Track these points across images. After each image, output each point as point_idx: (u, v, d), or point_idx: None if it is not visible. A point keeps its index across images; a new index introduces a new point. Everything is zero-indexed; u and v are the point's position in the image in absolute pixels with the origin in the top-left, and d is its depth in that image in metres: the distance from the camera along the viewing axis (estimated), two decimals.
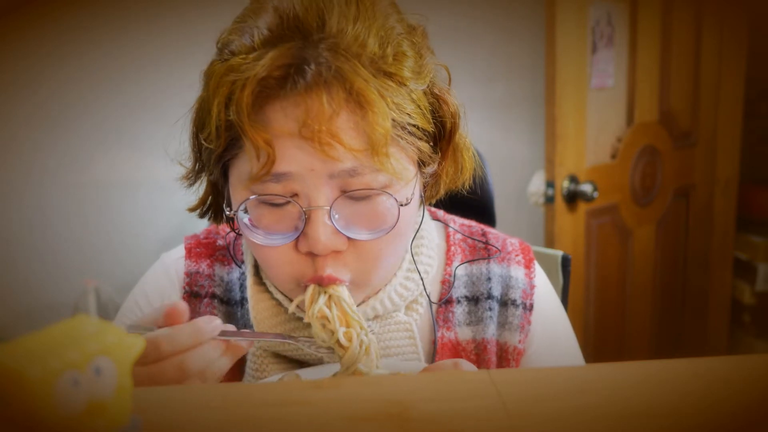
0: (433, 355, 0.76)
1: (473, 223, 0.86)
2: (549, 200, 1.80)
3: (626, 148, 2.00)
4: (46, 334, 0.32)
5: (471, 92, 2.25)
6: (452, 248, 0.81)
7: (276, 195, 0.61)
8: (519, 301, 0.79)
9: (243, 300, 0.77)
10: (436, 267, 0.78)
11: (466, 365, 0.59)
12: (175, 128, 0.67)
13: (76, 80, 2.12)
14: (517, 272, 0.80)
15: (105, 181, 2.22)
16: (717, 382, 0.45)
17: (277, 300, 0.73)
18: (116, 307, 1.39)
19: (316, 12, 0.59)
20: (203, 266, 0.80)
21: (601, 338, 2.06)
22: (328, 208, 0.61)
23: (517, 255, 0.82)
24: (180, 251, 0.82)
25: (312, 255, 0.63)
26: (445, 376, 0.50)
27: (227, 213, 0.67)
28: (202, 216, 0.73)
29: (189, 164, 0.69)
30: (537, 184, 1.89)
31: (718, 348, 2.42)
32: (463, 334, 0.78)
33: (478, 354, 0.77)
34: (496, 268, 0.80)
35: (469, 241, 0.83)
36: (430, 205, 0.82)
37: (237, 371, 0.77)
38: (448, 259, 0.80)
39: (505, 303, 0.79)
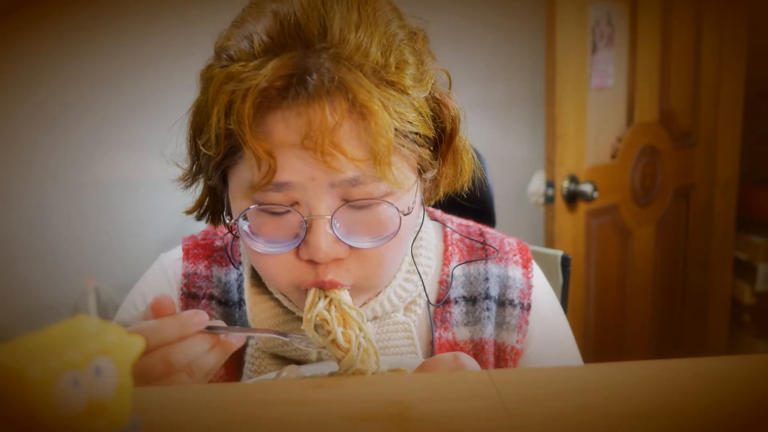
0: (430, 356, 0.76)
1: (471, 222, 0.86)
2: (549, 200, 1.80)
3: (626, 148, 2.00)
4: (46, 334, 0.32)
5: (471, 92, 2.25)
6: (450, 248, 0.81)
7: (277, 204, 0.61)
8: (516, 301, 0.79)
9: (241, 301, 0.77)
10: (434, 267, 0.78)
11: (465, 358, 0.59)
12: (171, 129, 0.66)
13: (76, 80, 2.12)
14: (515, 272, 0.80)
15: (105, 181, 2.22)
16: (717, 382, 0.45)
17: (275, 301, 0.73)
18: (116, 307, 1.39)
19: (318, 19, 0.58)
20: (201, 267, 0.80)
21: (601, 338, 2.06)
22: (330, 217, 0.60)
23: (514, 255, 0.82)
24: (178, 252, 0.82)
25: (313, 262, 0.62)
26: (445, 376, 0.50)
27: (227, 221, 0.67)
28: (199, 218, 0.73)
29: (186, 166, 0.69)
30: (537, 184, 1.89)
31: (718, 348, 2.42)
32: (461, 334, 0.78)
33: (475, 354, 0.77)
34: (493, 268, 0.80)
35: (467, 241, 0.83)
36: (428, 205, 0.82)
37: (235, 372, 0.77)
38: (446, 260, 0.80)
39: (502, 303, 0.79)
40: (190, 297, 0.78)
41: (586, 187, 1.79)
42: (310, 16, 0.58)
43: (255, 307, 0.73)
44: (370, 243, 0.63)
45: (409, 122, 0.60)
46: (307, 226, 0.61)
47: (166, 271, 0.81)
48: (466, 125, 0.69)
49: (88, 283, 2.10)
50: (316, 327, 0.63)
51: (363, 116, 0.57)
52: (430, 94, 0.64)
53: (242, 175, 0.61)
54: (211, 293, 0.79)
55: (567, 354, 0.83)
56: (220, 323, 0.61)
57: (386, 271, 0.66)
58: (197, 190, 0.70)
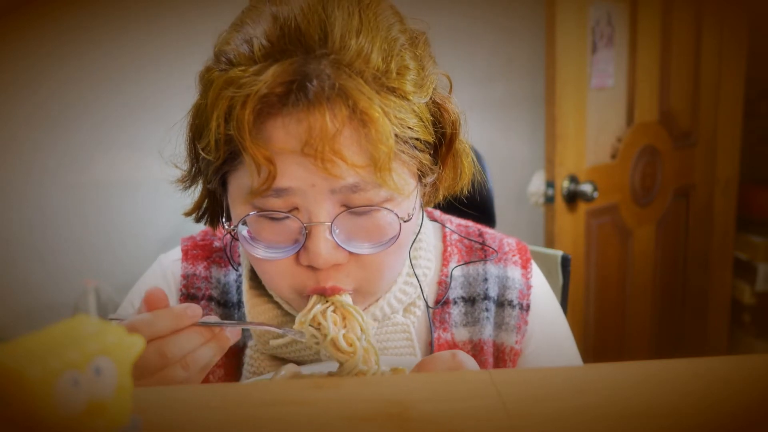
0: None
1: (470, 223, 0.86)
2: (549, 200, 1.80)
3: (626, 148, 2.00)
4: (46, 334, 0.32)
5: (471, 92, 2.25)
6: (449, 249, 0.81)
7: (277, 210, 0.60)
8: (516, 302, 0.79)
9: (240, 302, 0.77)
10: (433, 268, 0.78)
11: (463, 356, 0.59)
12: (170, 131, 0.66)
13: (76, 80, 2.12)
14: (514, 273, 0.80)
15: (105, 181, 2.22)
16: (717, 382, 0.45)
17: (274, 303, 0.73)
18: (116, 307, 1.39)
19: (318, 24, 0.58)
20: (200, 268, 0.79)
21: (601, 338, 2.06)
22: (329, 223, 0.60)
23: (513, 255, 0.82)
24: (177, 253, 0.82)
25: (313, 268, 0.62)
26: (445, 376, 0.50)
27: (226, 226, 0.67)
28: (197, 220, 0.72)
29: (184, 167, 0.68)
30: (537, 184, 1.89)
31: (718, 348, 2.42)
32: (460, 335, 0.78)
33: (474, 355, 0.77)
34: (492, 269, 0.80)
35: (466, 241, 0.82)
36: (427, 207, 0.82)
37: (234, 373, 0.77)
38: (445, 260, 0.80)
39: (501, 303, 0.79)
40: (189, 298, 0.78)
41: (586, 187, 1.79)
42: (311, 21, 0.58)
43: (254, 309, 0.73)
44: (369, 249, 0.63)
45: (410, 128, 0.60)
46: (307, 232, 0.60)
47: (165, 272, 0.81)
48: (467, 128, 0.68)
49: (88, 283, 2.10)
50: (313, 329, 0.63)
51: (364, 123, 0.56)
52: (430, 98, 0.63)
53: (242, 181, 0.61)
54: (210, 294, 0.78)
55: (567, 354, 0.83)
56: (214, 318, 0.61)
57: (386, 275, 0.66)
58: (196, 191, 0.70)
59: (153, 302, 0.59)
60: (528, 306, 0.79)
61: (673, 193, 2.21)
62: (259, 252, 0.63)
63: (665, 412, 0.41)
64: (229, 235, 0.79)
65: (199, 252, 0.81)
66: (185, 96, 0.65)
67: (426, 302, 0.76)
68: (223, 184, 0.65)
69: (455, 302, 0.79)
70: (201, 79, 0.63)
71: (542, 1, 1.79)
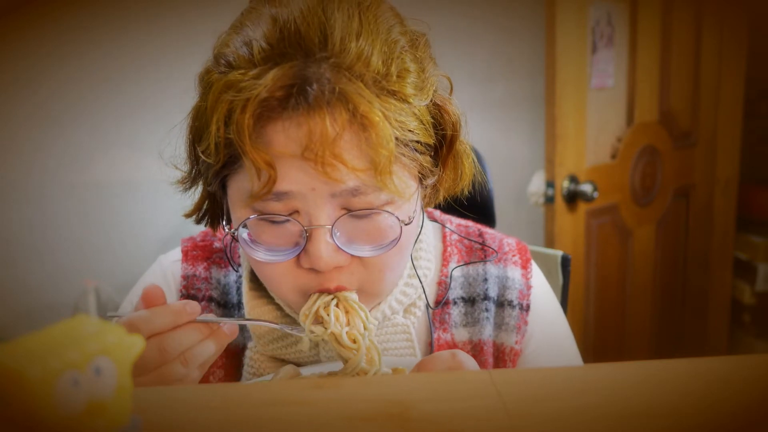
0: None
1: (470, 223, 0.86)
2: (549, 200, 1.81)
3: (626, 148, 2.00)
4: (46, 334, 0.32)
5: (471, 92, 2.25)
6: (449, 249, 0.81)
7: (277, 214, 0.60)
8: (515, 302, 0.79)
9: (240, 303, 0.77)
10: (433, 269, 0.78)
11: (463, 356, 0.59)
12: (170, 132, 0.66)
13: (76, 80, 2.12)
14: (514, 273, 0.80)
15: (105, 181, 2.22)
16: (717, 382, 0.45)
17: (274, 304, 0.73)
18: (116, 307, 1.39)
19: (318, 27, 0.57)
20: (200, 269, 0.79)
21: (601, 338, 2.06)
22: (330, 226, 0.60)
23: (513, 255, 0.82)
24: (177, 254, 0.82)
25: (315, 270, 0.62)
26: (446, 376, 0.50)
27: (226, 229, 0.67)
28: (198, 222, 0.72)
29: (185, 168, 0.68)
30: (537, 184, 1.89)
31: (718, 348, 2.42)
32: (460, 335, 0.78)
33: (474, 355, 0.77)
34: (492, 269, 0.80)
35: (466, 242, 0.82)
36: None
37: (234, 374, 0.77)
38: (445, 261, 0.80)
39: (501, 304, 0.79)
40: (189, 299, 0.78)
41: (586, 187, 1.79)
42: (311, 24, 0.57)
43: (253, 310, 0.73)
44: (370, 252, 0.63)
45: (410, 131, 0.60)
46: (308, 235, 0.60)
47: (165, 272, 0.81)
48: (467, 129, 0.68)
49: (88, 283, 2.10)
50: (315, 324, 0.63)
51: (364, 127, 0.56)
52: (431, 101, 0.63)
53: (242, 184, 0.61)
54: (211, 295, 0.78)
55: (567, 354, 0.83)
56: (211, 316, 0.61)
57: (389, 276, 0.66)
58: (197, 192, 0.70)
59: (150, 299, 0.59)
60: (528, 306, 0.79)
61: (673, 193, 2.21)
62: (260, 255, 0.63)
63: (665, 412, 0.41)
64: (229, 236, 0.79)
65: (199, 253, 0.80)
66: (185, 96, 0.65)
67: (427, 303, 0.76)
68: (223, 186, 0.65)
69: (455, 302, 0.78)
70: (200, 81, 0.63)
71: (542, 1, 1.79)
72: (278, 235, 0.62)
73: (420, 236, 0.76)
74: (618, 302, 2.10)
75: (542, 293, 0.82)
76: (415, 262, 0.75)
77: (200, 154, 0.61)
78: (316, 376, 0.63)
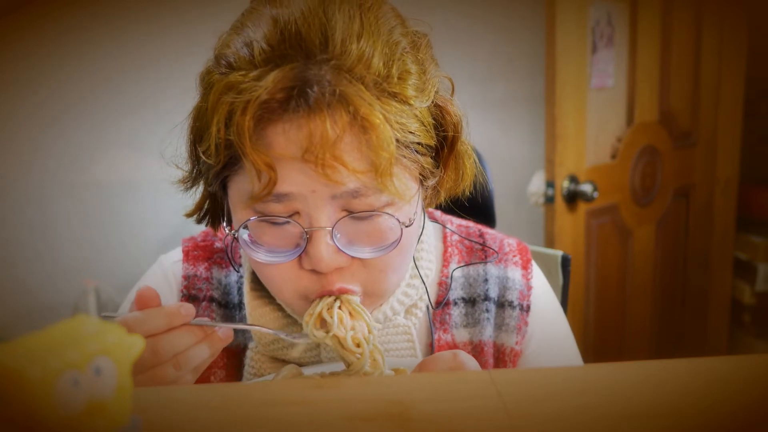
0: None
1: (471, 223, 0.86)
2: (549, 200, 1.81)
3: (626, 148, 2.00)
4: (46, 334, 0.32)
5: (471, 92, 2.25)
6: (449, 250, 0.81)
7: (277, 216, 0.60)
8: (516, 303, 0.79)
9: (241, 303, 0.77)
10: (434, 270, 0.78)
11: (464, 356, 0.59)
12: (171, 133, 0.66)
13: (76, 80, 2.12)
14: (514, 273, 0.80)
15: (105, 181, 2.22)
16: (717, 382, 0.45)
17: (275, 305, 0.73)
18: (116, 307, 1.39)
19: (319, 28, 0.57)
20: (201, 269, 0.79)
21: (601, 338, 2.06)
22: (330, 228, 0.60)
23: (514, 256, 0.82)
24: (178, 254, 0.81)
25: (317, 272, 0.62)
26: (446, 377, 0.50)
27: (227, 230, 0.67)
28: (199, 222, 0.72)
29: (186, 168, 0.68)
30: (537, 184, 1.89)
31: (718, 348, 2.42)
32: (460, 336, 0.78)
33: (475, 356, 0.77)
34: (493, 270, 0.80)
35: (466, 242, 0.82)
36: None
37: (235, 375, 0.77)
38: (445, 261, 0.80)
39: (502, 304, 0.79)
40: (191, 299, 0.78)
41: (586, 187, 1.79)
42: (311, 25, 0.57)
43: (254, 311, 0.72)
44: (371, 253, 0.62)
45: (411, 133, 0.60)
46: (308, 237, 0.60)
47: (166, 272, 0.80)
48: (468, 129, 0.68)
49: (88, 283, 2.10)
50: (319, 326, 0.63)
51: (364, 129, 0.56)
52: (432, 102, 0.63)
53: (242, 185, 0.60)
54: (212, 295, 0.78)
55: (567, 354, 0.83)
56: (205, 320, 0.61)
57: (390, 277, 0.66)
58: (197, 192, 0.70)
59: (144, 302, 0.59)
60: (528, 307, 0.79)
61: (673, 193, 2.21)
62: (260, 256, 0.63)
63: (665, 412, 0.41)
64: (230, 236, 0.79)
65: (200, 253, 0.80)
66: (186, 96, 0.65)
67: (429, 303, 0.76)
68: (224, 187, 0.65)
69: (456, 303, 0.78)
70: (201, 81, 0.63)
71: (542, 1, 1.79)
72: (279, 237, 0.62)
73: (421, 237, 0.76)
74: (618, 302, 2.10)
75: (543, 294, 0.82)
76: (417, 263, 0.75)
77: (201, 155, 0.61)
78: (317, 376, 0.63)
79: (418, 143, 0.61)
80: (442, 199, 0.72)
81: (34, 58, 2.08)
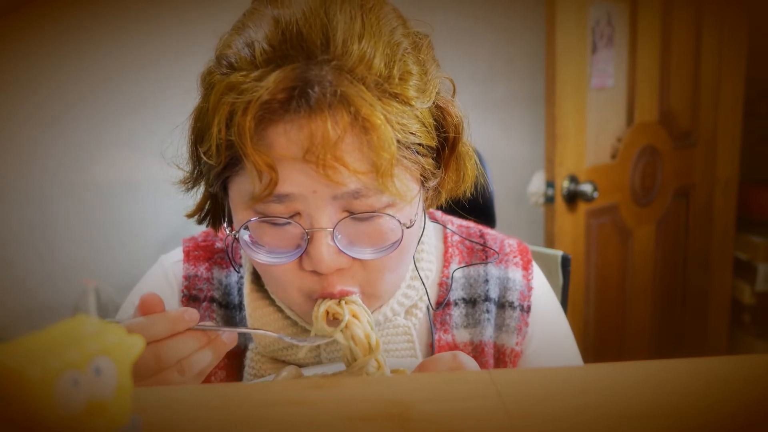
0: None
1: (471, 224, 0.86)
2: (549, 200, 1.81)
3: (626, 148, 2.00)
4: (46, 334, 0.32)
5: (472, 92, 2.25)
6: (450, 250, 0.81)
7: (278, 216, 0.60)
8: (516, 303, 0.79)
9: (242, 304, 0.77)
10: (434, 270, 0.78)
11: (464, 357, 0.59)
12: (173, 133, 0.66)
13: (76, 80, 2.12)
14: (515, 274, 0.80)
15: (105, 181, 2.22)
16: (717, 382, 0.45)
17: (276, 306, 0.73)
18: (116, 307, 1.39)
19: (320, 28, 0.57)
20: (202, 269, 0.79)
21: (601, 338, 2.06)
22: (331, 229, 0.60)
23: (515, 256, 0.82)
24: (178, 254, 0.81)
25: (317, 272, 0.62)
26: (446, 376, 0.50)
27: (227, 231, 0.67)
28: (200, 222, 0.72)
29: (187, 168, 0.68)
30: (537, 184, 1.89)
31: (718, 348, 2.42)
32: (461, 336, 0.78)
33: (475, 356, 0.77)
34: (493, 270, 0.80)
35: (467, 243, 0.82)
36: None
37: (235, 376, 0.77)
38: (446, 262, 0.80)
39: (502, 305, 0.79)
40: (191, 299, 0.78)
41: (586, 187, 1.79)
42: (313, 25, 0.57)
43: (255, 312, 0.72)
44: (372, 254, 0.62)
45: (412, 134, 0.60)
46: (309, 238, 0.60)
47: (167, 273, 0.80)
48: (469, 130, 0.68)
49: (88, 283, 2.10)
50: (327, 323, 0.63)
51: (365, 130, 0.56)
52: (433, 103, 0.63)
53: (243, 186, 0.60)
54: (212, 296, 0.78)
55: (567, 354, 0.83)
56: (210, 324, 0.61)
57: (390, 278, 0.66)
58: (198, 193, 0.70)
59: (148, 308, 0.58)
60: (529, 307, 0.79)
61: (673, 193, 2.21)
62: (261, 257, 0.63)
63: (665, 412, 0.41)
64: (230, 236, 0.79)
65: (200, 253, 0.80)
66: (186, 96, 0.65)
67: (430, 304, 0.76)
68: (225, 188, 0.65)
69: (456, 304, 0.78)
70: (202, 82, 0.63)
71: (542, 1, 1.79)
72: (279, 237, 0.62)
73: (422, 238, 0.76)
74: (618, 302, 2.10)
75: (543, 294, 0.82)
76: (417, 264, 0.75)
77: (202, 155, 0.61)
78: (318, 377, 0.63)
79: (419, 144, 0.61)
80: (443, 200, 0.72)
81: (34, 58, 2.08)
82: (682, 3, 2.06)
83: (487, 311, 0.78)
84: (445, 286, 0.79)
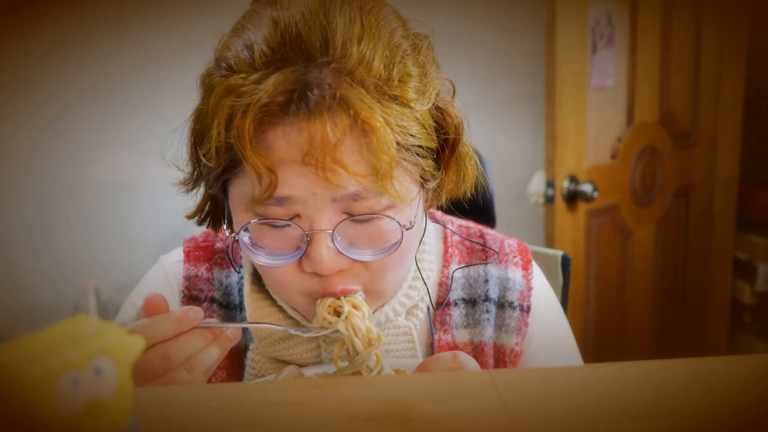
0: None
1: (471, 224, 0.86)
2: (549, 200, 1.81)
3: (626, 148, 2.00)
4: (46, 334, 0.32)
5: (472, 92, 2.25)
6: (450, 250, 0.81)
7: (278, 219, 0.60)
8: (516, 303, 0.79)
9: (242, 304, 0.77)
10: (435, 270, 0.78)
11: (464, 357, 0.59)
12: (172, 134, 0.66)
13: (76, 80, 2.12)
14: (515, 274, 0.80)
15: (104, 181, 2.22)
16: (717, 382, 0.45)
17: (276, 306, 0.73)
18: (116, 307, 1.39)
19: (319, 31, 0.57)
20: (202, 270, 0.79)
21: (601, 338, 2.06)
22: (331, 231, 0.60)
23: (515, 257, 0.81)
24: (179, 254, 0.81)
25: (318, 274, 0.62)
26: (446, 376, 0.50)
27: (227, 233, 0.67)
28: (200, 223, 0.72)
29: (187, 170, 0.68)
30: (537, 184, 1.89)
31: (718, 348, 2.42)
32: (461, 336, 0.78)
33: (475, 356, 0.77)
34: (493, 270, 0.80)
35: (467, 243, 0.82)
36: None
37: (236, 376, 0.77)
38: (446, 262, 0.80)
39: (502, 305, 0.79)
40: (192, 299, 0.78)
41: (586, 187, 1.79)
42: (312, 28, 0.57)
43: (255, 312, 0.73)
44: (371, 256, 0.62)
45: (412, 136, 0.60)
46: (308, 240, 0.60)
47: (167, 273, 0.80)
48: (469, 131, 0.68)
49: (88, 283, 2.11)
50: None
51: (365, 133, 0.56)
52: (433, 104, 0.63)
53: (243, 188, 0.60)
54: (213, 296, 0.78)
55: (567, 354, 0.83)
56: (214, 321, 0.61)
57: (391, 277, 0.66)
58: (198, 194, 0.70)
59: (152, 308, 0.58)
60: (528, 308, 0.79)
61: (673, 193, 2.21)
62: (261, 259, 0.63)
63: (665, 412, 0.41)
64: (230, 237, 0.79)
65: (201, 253, 0.80)
66: (186, 96, 0.65)
67: (431, 304, 0.76)
68: (225, 190, 0.65)
69: (456, 304, 0.78)
70: (202, 84, 0.63)
71: (542, 1, 1.79)
72: (279, 240, 0.62)
73: (422, 238, 0.76)
74: (618, 302, 2.10)
75: (543, 294, 0.82)
76: (419, 264, 0.75)
77: (201, 158, 0.61)
78: (318, 377, 0.63)
79: (419, 146, 0.61)
80: (443, 200, 0.72)
81: (34, 58, 2.08)
82: (682, 3, 2.06)
83: (487, 311, 0.78)
84: (445, 287, 0.79)
